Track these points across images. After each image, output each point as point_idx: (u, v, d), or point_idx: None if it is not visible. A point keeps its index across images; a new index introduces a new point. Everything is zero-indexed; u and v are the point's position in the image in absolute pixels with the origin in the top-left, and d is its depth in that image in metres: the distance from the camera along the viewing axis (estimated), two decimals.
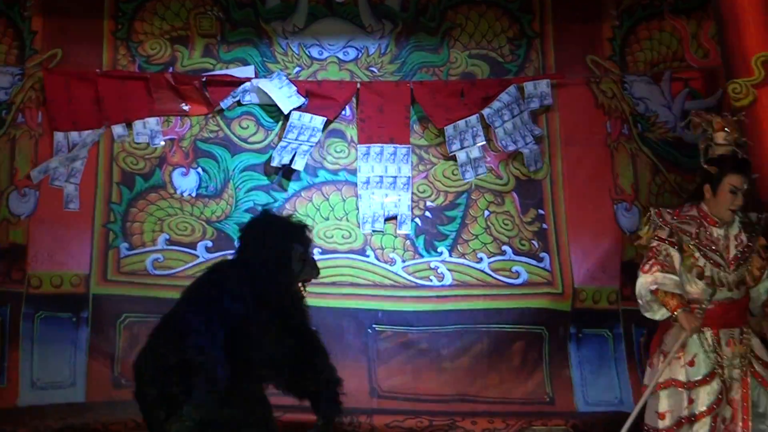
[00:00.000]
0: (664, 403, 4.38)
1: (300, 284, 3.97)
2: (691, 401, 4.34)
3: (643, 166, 5.94)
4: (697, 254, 4.40)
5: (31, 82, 5.84)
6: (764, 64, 5.09)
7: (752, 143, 4.64)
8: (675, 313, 4.28)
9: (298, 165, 5.73)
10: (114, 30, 5.96)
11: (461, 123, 5.86)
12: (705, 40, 5.95)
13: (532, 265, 5.86)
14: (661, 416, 4.38)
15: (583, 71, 6.01)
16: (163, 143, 5.88)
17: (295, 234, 3.98)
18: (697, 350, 4.37)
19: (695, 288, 4.40)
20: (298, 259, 3.93)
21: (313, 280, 5.51)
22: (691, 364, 4.35)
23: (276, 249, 3.89)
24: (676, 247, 4.40)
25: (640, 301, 4.47)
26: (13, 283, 5.70)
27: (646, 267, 4.40)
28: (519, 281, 5.84)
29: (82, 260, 5.75)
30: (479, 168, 5.88)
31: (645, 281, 4.38)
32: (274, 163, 5.77)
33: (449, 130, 5.88)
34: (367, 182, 5.88)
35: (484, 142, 5.87)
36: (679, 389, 4.35)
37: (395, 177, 5.87)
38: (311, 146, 5.79)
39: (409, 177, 5.87)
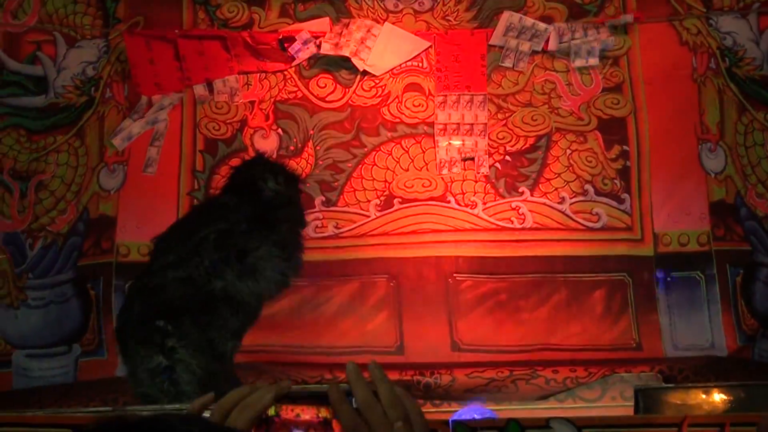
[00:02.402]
0: None
1: None
2: None
3: (729, 105, 5.69)
4: None
5: (116, 54, 5.90)
6: None
7: None
8: None
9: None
10: None
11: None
12: None
13: (613, 206, 5.70)
14: None
15: (666, 8, 5.77)
16: (243, 100, 5.90)
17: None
18: None
19: None
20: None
21: (393, 231, 5.70)
22: None
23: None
24: None
25: None
26: (103, 254, 5.76)
27: None
28: (599, 225, 5.69)
29: None
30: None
31: None
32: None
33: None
34: (444, 129, 5.83)
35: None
36: None
37: (472, 124, 5.80)
38: None
39: (485, 123, 5.79)
